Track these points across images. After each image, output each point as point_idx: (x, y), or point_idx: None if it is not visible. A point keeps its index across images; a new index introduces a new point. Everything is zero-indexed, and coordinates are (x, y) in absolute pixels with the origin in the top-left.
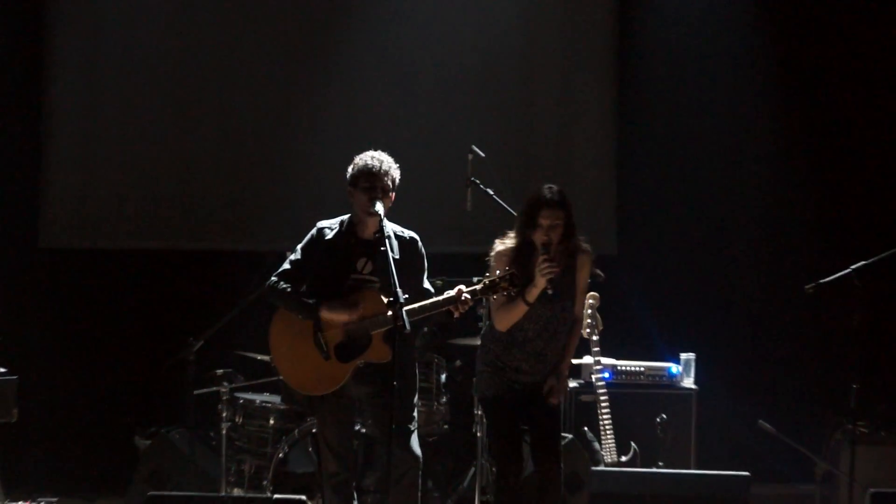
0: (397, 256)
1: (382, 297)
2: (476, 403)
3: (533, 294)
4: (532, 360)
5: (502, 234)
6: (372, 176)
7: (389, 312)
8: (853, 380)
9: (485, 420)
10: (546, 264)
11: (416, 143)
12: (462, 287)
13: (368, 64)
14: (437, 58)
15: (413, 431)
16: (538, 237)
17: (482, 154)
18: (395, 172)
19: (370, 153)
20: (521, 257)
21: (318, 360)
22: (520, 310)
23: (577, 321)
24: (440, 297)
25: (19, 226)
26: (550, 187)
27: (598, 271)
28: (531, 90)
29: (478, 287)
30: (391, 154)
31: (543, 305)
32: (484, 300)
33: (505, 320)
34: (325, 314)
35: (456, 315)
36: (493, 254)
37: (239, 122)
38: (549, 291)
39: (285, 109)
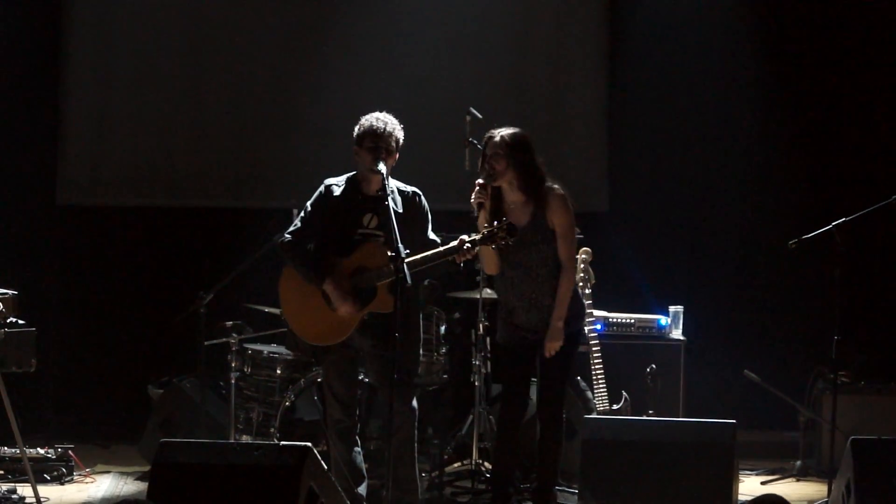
0: (400, 210)
1: (386, 250)
2: (474, 354)
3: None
4: (526, 305)
5: None
6: (376, 136)
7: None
8: (834, 332)
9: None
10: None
11: (415, 105)
12: (464, 237)
13: (370, 27)
14: (435, 22)
15: (411, 385)
16: (504, 188)
17: (479, 115)
18: (399, 133)
19: (375, 115)
20: (490, 195)
21: (327, 311)
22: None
23: (566, 268)
24: (442, 248)
25: (38, 184)
26: (506, 129)
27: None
28: (525, 51)
29: (476, 237)
30: (394, 116)
31: (519, 250)
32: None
33: (485, 264)
34: (328, 288)
35: (460, 263)
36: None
37: (247, 85)
38: (477, 215)
39: (291, 72)
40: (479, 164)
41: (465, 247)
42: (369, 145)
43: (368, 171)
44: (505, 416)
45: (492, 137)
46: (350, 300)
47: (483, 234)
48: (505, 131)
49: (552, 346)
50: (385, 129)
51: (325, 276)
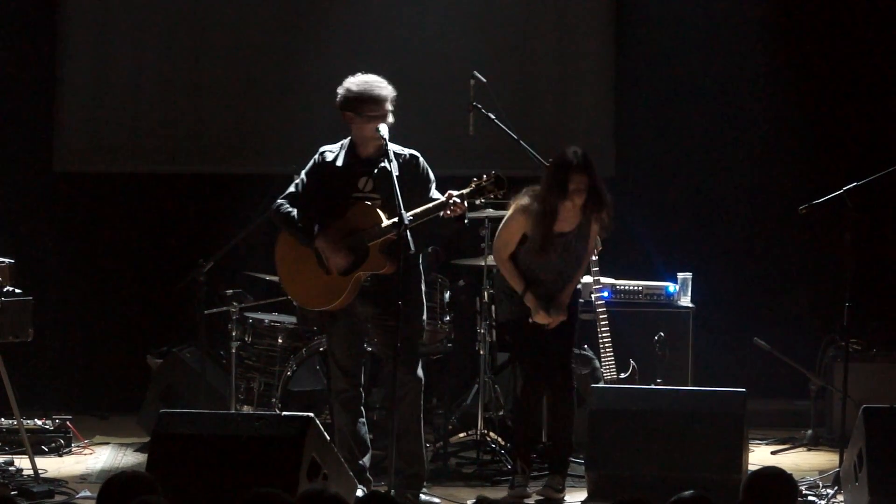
0: (397, 174)
1: (378, 211)
2: (479, 322)
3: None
4: (544, 298)
5: (526, 191)
6: (378, 104)
7: (385, 223)
8: (845, 298)
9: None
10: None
11: (419, 70)
12: (452, 192)
13: None
14: None
15: (417, 353)
16: (566, 207)
17: (483, 79)
18: (394, 92)
19: (365, 79)
20: (544, 221)
21: (321, 275)
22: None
23: (588, 255)
24: (431, 204)
25: (34, 150)
26: (575, 151)
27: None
28: (531, 13)
29: (465, 191)
30: (397, 79)
31: (559, 256)
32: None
33: (505, 272)
34: (319, 245)
35: (455, 218)
36: (513, 209)
37: (246, 49)
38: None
39: (292, 34)
40: (552, 188)
41: (452, 201)
42: (373, 114)
43: (371, 139)
44: (529, 386)
45: (569, 159)
46: (342, 253)
47: (472, 187)
48: (577, 150)
49: (551, 316)
50: (388, 95)
51: (313, 238)
